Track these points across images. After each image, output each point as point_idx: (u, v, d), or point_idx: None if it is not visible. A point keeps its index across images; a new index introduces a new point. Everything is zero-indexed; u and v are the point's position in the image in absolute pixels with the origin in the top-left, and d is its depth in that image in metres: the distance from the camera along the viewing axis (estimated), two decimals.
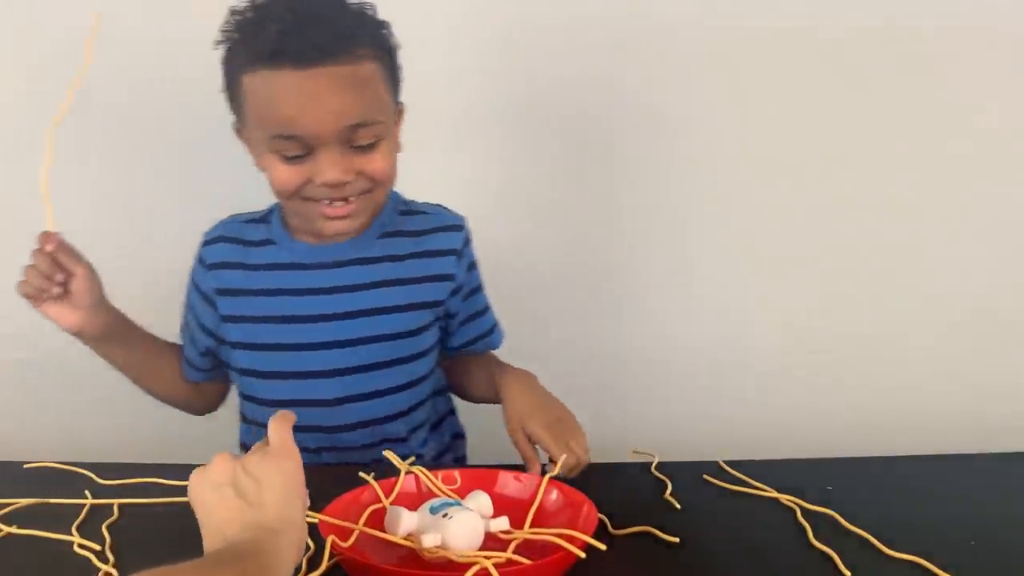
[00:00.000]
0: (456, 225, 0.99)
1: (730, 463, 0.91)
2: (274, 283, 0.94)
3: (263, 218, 0.99)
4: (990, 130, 1.30)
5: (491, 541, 0.68)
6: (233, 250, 0.97)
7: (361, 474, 0.77)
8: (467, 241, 1.00)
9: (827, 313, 1.34)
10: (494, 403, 0.99)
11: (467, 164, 1.27)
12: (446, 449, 1.06)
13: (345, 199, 0.86)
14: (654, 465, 0.90)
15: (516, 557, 0.64)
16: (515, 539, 0.68)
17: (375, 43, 0.85)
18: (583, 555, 0.63)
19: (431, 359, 0.99)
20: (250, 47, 0.82)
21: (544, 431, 0.86)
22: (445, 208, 1.01)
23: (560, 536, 0.64)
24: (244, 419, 1.03)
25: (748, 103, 1.28)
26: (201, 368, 1.01)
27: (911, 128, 1.30)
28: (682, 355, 1.34)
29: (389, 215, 0.97)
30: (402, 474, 0.77)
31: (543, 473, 0.78)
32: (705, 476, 0.89)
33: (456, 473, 0.79)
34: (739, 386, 1.35)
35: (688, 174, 1.30)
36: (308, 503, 0.60)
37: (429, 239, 0.97)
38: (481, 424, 1.11)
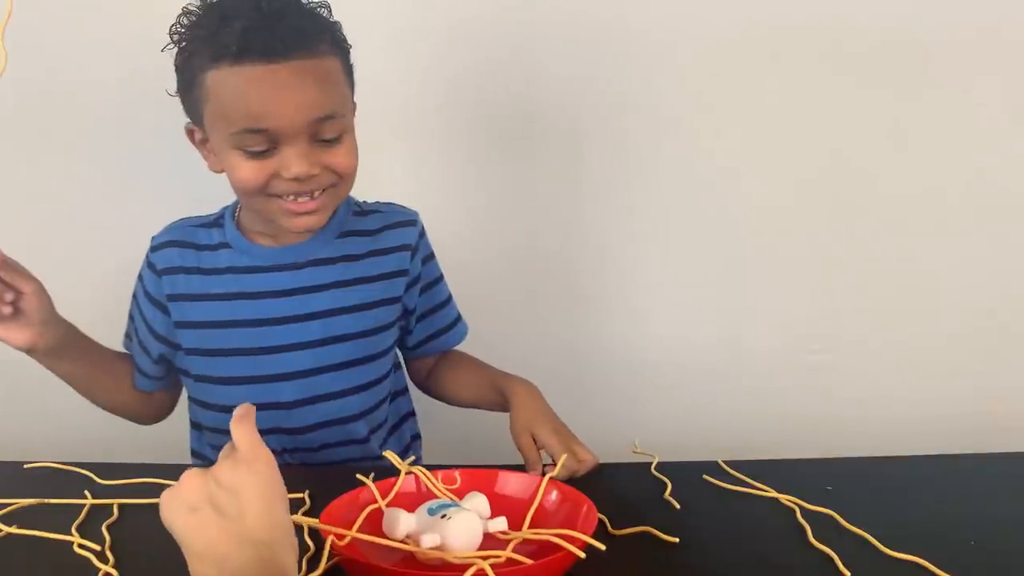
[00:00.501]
0: (409, 220, 1.00)
1: (730, 463, 0.91)
2: (230, 287, 0.94)
3: (215, 222, 0.98)
4: (991, 130, 1.30)
5: (490, 541, 0.68)
6: (185, 255, 0.95)
7: (359, 476, 0.77)
8: (421, 234, 1.01)
9: (827, 313, 1.34)
10: (486, 408, 1.01)
11: (456, 166, 1.28)
12: (406, 449, 1.06)
13: (311, 194, 0.86)
14: (654, 465, 0.90)
15: (517, 556, 0.64)
16: (513, 539, 0.68)
17: (334, 41, 0.87)
18: (583, 555, 0.63)
19: (389, 359, 1.00)
20: (214, 44, 0.82)
21: (551, 435, 0.88)
22: (398, 205, 1.02)
23: (559, 536, 0.64)
24: (195, 426, 1.02)
25: (748, 102, 1.28)
26: (154, 376, 0.99)
27: (912, 128, 1.30)
28: (682, 355, 1.34)
29: (343, 216, 0.97)
30: (402, 475, 0.77)
31: (543, 475, 0.78)
32: (705, 476, 0.89)
33: (456, 473, 0.79)
34: (739, 386, 1.35)
35: (688, 174, 1.30)
36: (288, 500, 0.56)
37: (383, 236, 0.98)
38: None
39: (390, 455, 0.81)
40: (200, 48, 0.83)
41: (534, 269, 1.20)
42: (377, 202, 1.02)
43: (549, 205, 1.30)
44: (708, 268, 1.33)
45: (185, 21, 0.86)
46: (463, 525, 0.66)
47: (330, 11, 0.88)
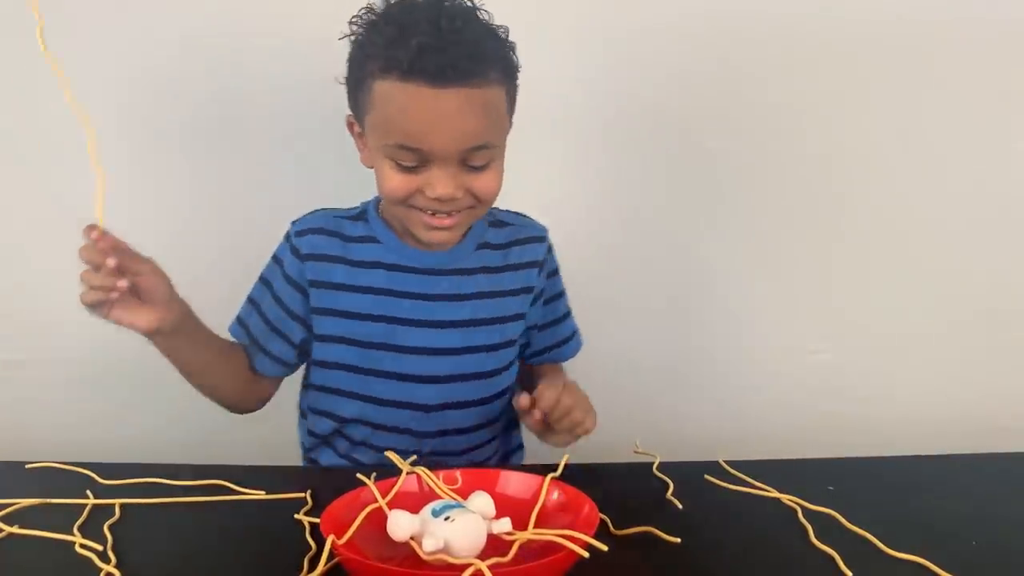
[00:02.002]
0: (539, 236, 1.03)
1: (731, 463, 0.91)
2: (377, 282, 0.95)
3: (359, 215, 0.99)
4: (991, 130, 1.30)
5: (494, 542, 0.68)
6: (332, 243, 0.96)
7: (359, 475, 0.77)
8: (549, 250, 1.04)
9: (828, 313, 1.34)
10: None
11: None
12: (506, 456, 1.08)
13: (448, 212, 0.88)
14: (655, 465, 0.90)
15: (505, 563, 0.63)
16: (518, 540, 0.67)
17: (505, 67, 0.87)
18: (586, 554, 0.63)
19: (512, 373, 1.03)
20: (388, 55, 0.82)
21: (566, 395, 0.86)
22: (528, 218, 1.05)
23: (563, 536, 0.64)
24: (311, 413, 1.02)
25: (748, 101, 1.28)
26: (287, 362, 0.99)
27: (912, 128, 1.30)
28: (683, 355, 1.34)
29: (480, 227, 0.99)
30: (403, 474, 0.77)
31: (545, 471, 0.78)
32: (706, 476, 0.89)
33: (457, 473, 0.79)
34: (740, 386, 1.35)
35: (688, 174, 1.30)
36: None
37: (515, 252, 1.00)
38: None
39: (391, 455, 0.81)
40: (374, 53, 0.84)
41: None
42: (508, 211, 1.03)
43: (549, 206, 1.30)
44: (708, 268, 1.33)
45: (366, 18, 0.86)
46: (466, 527, 0.66)
47: (507, 33, 0.88)
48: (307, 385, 1.03)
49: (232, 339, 0.98)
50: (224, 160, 1.24)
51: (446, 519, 0.66)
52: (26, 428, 1.23)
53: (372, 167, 0.90)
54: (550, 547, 0.64)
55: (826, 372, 1.35)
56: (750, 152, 1.29)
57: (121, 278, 0.78)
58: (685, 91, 1.27)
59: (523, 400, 0.86)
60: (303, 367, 1.03)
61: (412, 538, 0.67)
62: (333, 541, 0.64)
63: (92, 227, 0.78)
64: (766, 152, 1.29)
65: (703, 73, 1.27)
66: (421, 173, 0.85)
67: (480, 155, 0.86)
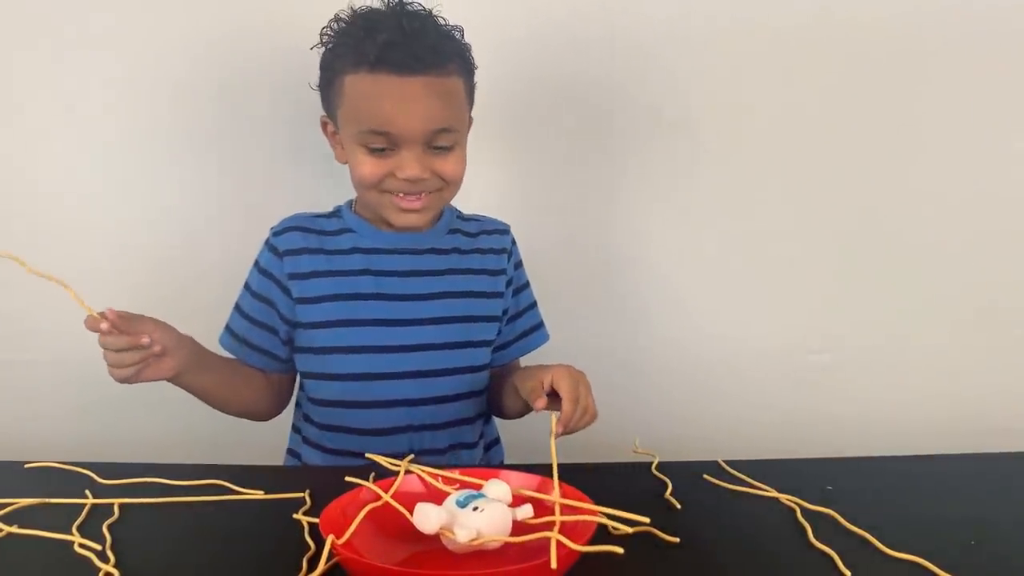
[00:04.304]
0: (504, 229, 1.12)
1: (730, 463, 0.91)
2: (355, 265, 1.01)
3: (332, 214, 1.06)
4: (991, 130, 1.30)
5: (517, 528, 0.69)
6: (308, 238, 1.02)
7: (348, 478, 0.77)
8: (513, 242, 1.12)
9: (827, 313, 1.35)
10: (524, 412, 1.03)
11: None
12: (487, 448, 1.12)
13: (418, 194, 0.96)
14: (654, 465, 0.90)
15: (560, 537, 0.63)
16: (543, 522, 0.68)
17: (463, 62, 0.97)
18: (629, 529, 0.64)
19: (490, 351, 1.07)
20: (357, 52, 0.92)
21: (566, 380, 0.87)
22: (491, 217, 1.13)
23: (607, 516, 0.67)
24: (307, 402, 1.05)
25: (749, 102, 1.28)
26: (278, 356, 1.03)
27: (912, 128, 1.30)
28: (682, 355, 1.34)
29: (450, 216, 1.08)
30: (401, 472, 0.77)
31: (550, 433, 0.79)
32: (705, 476, 0.89)
33: (457, 473, 0.79)
34: (739, 386, 1.35)
35: (688, 173, 1.30)
36: None
37: (483, 239, 1.09)
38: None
39: (376, 457, 0.82)
40: (344, 53, 0.94)
41: (535, 269, 1.20)
42: (472, 213, 1.12)
43: (550, 206, 1.30)
44: (709, 268, 1.33)
45: (335, 26, 0.96)
46: (494, 515, 0.68)
47: (463, 34, 0.98)
48: (299, 378, 1.06)
49: (223, 350, 1.02)
50: (223, 161, 1.24)
51: (474, 509, 0.67)
52: (26, 428, 1.23)
53: (346, 162, 0.97)
54: (548, 546, 0.64)
55: (825, 372, 1.35)
56: (749, 152, 1.29)
57: (153, 351, 0.84)
58: (684, 92, 1.28)
59: (540, 402, 0.86)
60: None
61: (442, 529, 0.67)
62: (332, 541, 0.64)
63: (94, 319, 0.81)
64: (765, 152, 1.29)
65: (702, 72, 1.28)
66: (391, 157, 0.94)
67: (444, 137, 0.94)
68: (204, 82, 1.21)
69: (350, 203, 1.06)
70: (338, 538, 0.64)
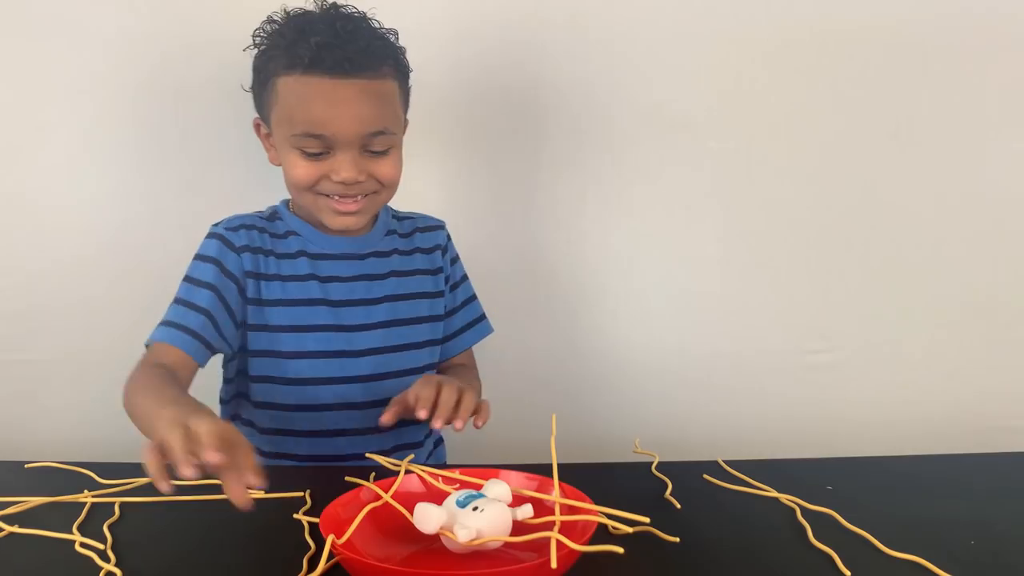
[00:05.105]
0: (438, 225, 1.12)
1: (730, 463, 0.91)
2: (302, 270, 1.00)
3: (271, 216, 1.03)
4: (991, 131, 1.30)
5: (517, 528, 0.69)
6: (263, 238, 1.00)
7: (348, 477, 0.77)
8: (448, 238, 1.12)
9: (827, 313, 1.35)
10: None
11: (451, 168, 1.28)
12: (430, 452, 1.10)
13: (354, 197, 0.95)
14: (654, 465, 0.90)
15: (560, 537, 0.63)
16: (543, 522, 0.68)
17: (397, 65, 0.96)
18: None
19: (438, 351, 1.08)
20: (289, 54, 0.91)
21: (416, 385, 0.87)
22: (425, 214, 1.12)
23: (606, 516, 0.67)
24: (251, 407, 1.02)
25: (747, 101, 1.28)
26: (212, 351, 0.94)
27: (911, 128, 1.30)
28: (682, 355, 1.34)
29: (386, 217, 1.07)
30: (402, 472, 0.77)
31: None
32: (705, 476, 0.89)
33: (457, 473, 0.79)
34: (739, 386, 1.35)
35: (688, 173, 1.30)
36: None
37: (419, 237, 1.09)
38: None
39: (374, 456, 0.82)
40: (277, 55, 0.93)
41: (535, 270, 1.20)
42: (407, 211, 1.11)
43: (551, 206, 1.30)
44: (709, 268, 1.33)
45: (268, 28, 0.95)
46: (494, 515, 0.68)
47: (397, 37, 0.97)
48: (235, 378, 1.02)
49: (150, 343, 0.93)
50: (223, 161, 1.24)
51: (475, 509, 0.67)
52: (26, 428, 1.23)
53: (280, 164, 0.96)
54: (548, 545, 0.64)
55: (825, 372, 1.35)
56: (747, 152, 1.29)
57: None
58: (686, 91, 1.28)
59: (384, 416, 0.88)
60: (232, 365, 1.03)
61: (442, 529, 0.67)
62: (332, 541, 0.64)
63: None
64: (763, 152, 1.29)
65: (705, 71, 1.28)
66: (326, 160, 0.93)
67: (379, 140, 0.93)
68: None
69: (286, 203, 1.04)
70: (338, 538, 0.65)
